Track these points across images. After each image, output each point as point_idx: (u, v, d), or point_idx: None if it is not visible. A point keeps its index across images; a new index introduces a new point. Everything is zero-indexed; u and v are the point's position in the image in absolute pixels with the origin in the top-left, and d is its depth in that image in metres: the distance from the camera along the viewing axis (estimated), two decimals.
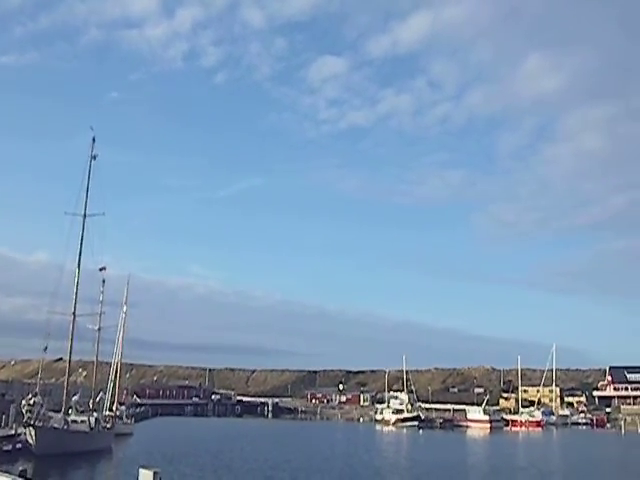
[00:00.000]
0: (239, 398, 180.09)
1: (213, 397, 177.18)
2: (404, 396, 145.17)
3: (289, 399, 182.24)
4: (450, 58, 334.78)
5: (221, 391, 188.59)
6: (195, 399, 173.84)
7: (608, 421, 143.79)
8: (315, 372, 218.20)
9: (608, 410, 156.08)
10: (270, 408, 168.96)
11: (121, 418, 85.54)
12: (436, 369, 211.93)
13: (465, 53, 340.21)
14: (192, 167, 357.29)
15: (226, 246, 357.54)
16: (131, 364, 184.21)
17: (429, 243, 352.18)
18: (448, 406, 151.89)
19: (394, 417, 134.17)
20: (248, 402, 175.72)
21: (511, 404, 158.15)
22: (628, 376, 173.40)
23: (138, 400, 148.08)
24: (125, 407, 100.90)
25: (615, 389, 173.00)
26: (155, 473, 14.64)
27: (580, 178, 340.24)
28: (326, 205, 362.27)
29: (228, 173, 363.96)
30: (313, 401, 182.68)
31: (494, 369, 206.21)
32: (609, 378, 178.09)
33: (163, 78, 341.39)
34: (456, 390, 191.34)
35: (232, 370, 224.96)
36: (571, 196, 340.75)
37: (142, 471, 15.14)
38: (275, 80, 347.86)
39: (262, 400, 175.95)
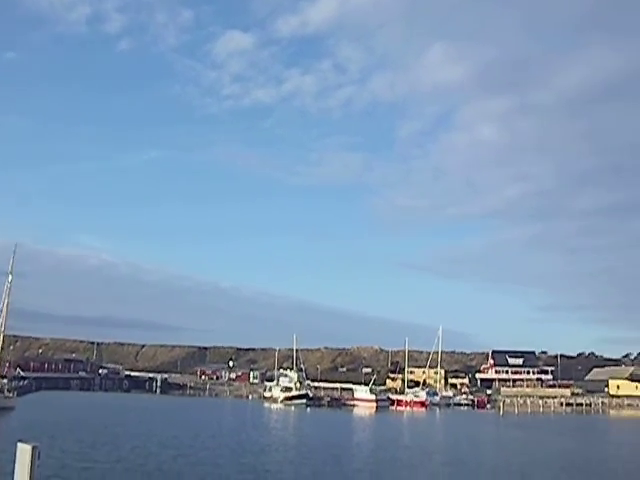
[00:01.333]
0: (127, 373, 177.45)
1: (100, 371, 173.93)
2: (293, 374, 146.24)
3: (178, 375, 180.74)
4: (356, 42, 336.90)
5: (109, 365, 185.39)
6: (82, 373, 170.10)
7: (488, 402, 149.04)
8: (206, 348, 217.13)
9: (489, 392, 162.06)
10: (159, 384, 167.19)
11: (2, 392, 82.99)
12: (326, 348, 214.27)
13: (371, 38, 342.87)
14: (89, 135, 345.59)
15: (120, 218, 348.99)
16: (15, 336, 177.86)
17: (326, 225, 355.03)
18: (336, 385, 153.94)
19: (283, 395, 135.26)
20: (136, 377, 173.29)
21: (397, 384, 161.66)
22: (509, 360, 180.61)
23: (22, 373, 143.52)
24: (7, 380, 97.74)
25: (496, 372, 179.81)
26: (34, 448, 14.24)
27: (476, 168, 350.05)
28: (225, 181, 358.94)
29: (126, 144, 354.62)
30: (202, 377, 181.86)
31: (382, 350, 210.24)
32: (491, 361, 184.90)
33: (65, 41, 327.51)
34: (345, 369, 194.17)
35: (121, 344, 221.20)
36: (466, 185, 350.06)
37: (20, 445, 14.71)
38: (180, 52, 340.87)
39: (151, 375, 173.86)
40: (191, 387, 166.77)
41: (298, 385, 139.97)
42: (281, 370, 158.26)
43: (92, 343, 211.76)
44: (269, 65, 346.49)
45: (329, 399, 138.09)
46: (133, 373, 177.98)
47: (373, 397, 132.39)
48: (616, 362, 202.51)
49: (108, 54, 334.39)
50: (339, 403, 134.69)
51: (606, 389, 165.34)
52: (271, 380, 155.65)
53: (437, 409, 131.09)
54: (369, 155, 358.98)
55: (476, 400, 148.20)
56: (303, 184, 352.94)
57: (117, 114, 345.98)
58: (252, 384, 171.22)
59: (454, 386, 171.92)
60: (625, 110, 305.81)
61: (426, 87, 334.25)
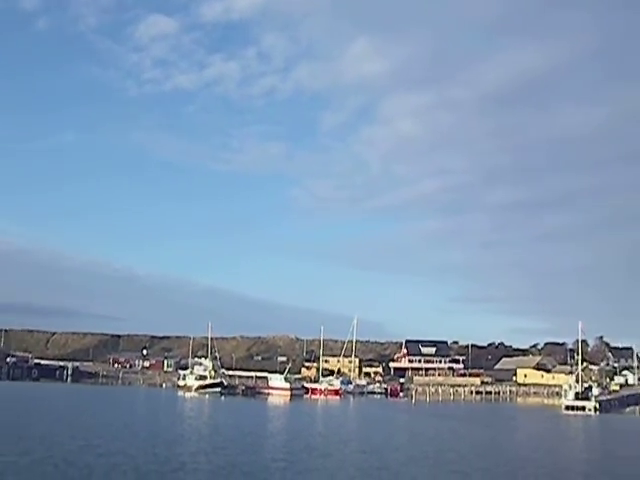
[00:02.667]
0: (37, 361, 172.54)
1: (8, 360, 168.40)
2: (208, 363, 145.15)
3: (90, 363, 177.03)
4: (281, 31, 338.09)
5: (17, 354, 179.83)
6: None
7: (401, 390, 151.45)
8: (119, 336, 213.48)
9: (402, 380, 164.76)
10: (70, 372, 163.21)
11: None
12: (241, 337, 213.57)
13: (296, 28, 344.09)
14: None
15: (34, 202, 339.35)
16: None
17: (246, 213, 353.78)
18: (251, 373, 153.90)
19: (197, 383, 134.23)
20: (46, 365, 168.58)
21: (312, 373, 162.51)
22: (422, 349, 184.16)
23: None
24: None
25: (410, 361, 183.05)
26: None
27: (395, 161, 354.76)
28: (144, 166, 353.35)
29: (41, 126, 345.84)
30: (115, 366, 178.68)
31: (298, 339, 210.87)
32: (405, 351, 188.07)
33: None
34: (260, 358, 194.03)
35: (30, 332, 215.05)
36: (384, 177, 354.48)
37: None
38: (101, 33, 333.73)
39: (61, 364, 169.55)
40: (103, 376, 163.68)
41: (213, 373, 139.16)
42: (196, 358, 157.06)
43: None
44: (192, 50, 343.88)
45: (244, 388, 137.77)
46: (43, 361, 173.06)
47: (288, 385, 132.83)
48: (524, 352, 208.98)
49: (24, 32, 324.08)
50: (254, 392, 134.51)
51: (514, 378, 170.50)
52: (185, 368, 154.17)
53: (351, 397, 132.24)
54: (290, 145, 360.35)
55: (389, 388, 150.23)
56: (224, 171, 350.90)
57: (32, 95, 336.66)
58: (166, 372, 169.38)
59: (368, 375, 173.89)
60: (536, 109, 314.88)
61: (349, 79, 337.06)
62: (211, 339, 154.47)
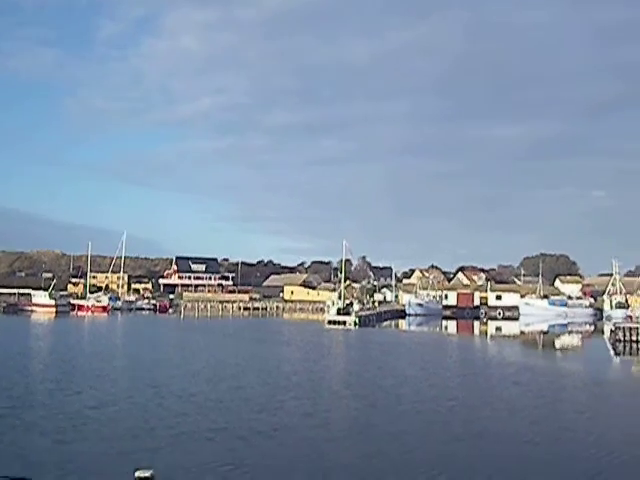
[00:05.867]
0: None
1: None
2: None
3: None
4: None
5: None
6: None
7: (171, 307, 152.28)
8: None
9: (172, 297, 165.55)
10: None
11: None
12: (3, 252, 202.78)
13: None
14: None
15: None
16: None
17: (12, 124, 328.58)
18: (14, 290, 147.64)
19: None
20: None
21: (79, 289, 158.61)
22: (192, 266, 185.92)
23: None
24: None
25: (180, 277, 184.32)
26: None
27: (174, 76, 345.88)
28: None
29: None
30: None
31: (64, 254, 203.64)
32: (175, 267, 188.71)
33: None
34: (23, 274, 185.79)
35: None
36: (163, 92, 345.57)
37: None
38: None
39: None
40: None
41: None
42: None
43: None
44: None
45: (5, 305, 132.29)
46: None
47: (52, 302, 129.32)
48: (292, 270, 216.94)
49: None
50: (16, 309, 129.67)
51: (281, 294, 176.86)
52: None
53: (119, 314, 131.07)
54: (64, 52, 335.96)
55: (158, 305, 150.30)
56: None
57: None
58: None
59: (137, 291, 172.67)
60: (320, 37, 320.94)
61: None
62: None
